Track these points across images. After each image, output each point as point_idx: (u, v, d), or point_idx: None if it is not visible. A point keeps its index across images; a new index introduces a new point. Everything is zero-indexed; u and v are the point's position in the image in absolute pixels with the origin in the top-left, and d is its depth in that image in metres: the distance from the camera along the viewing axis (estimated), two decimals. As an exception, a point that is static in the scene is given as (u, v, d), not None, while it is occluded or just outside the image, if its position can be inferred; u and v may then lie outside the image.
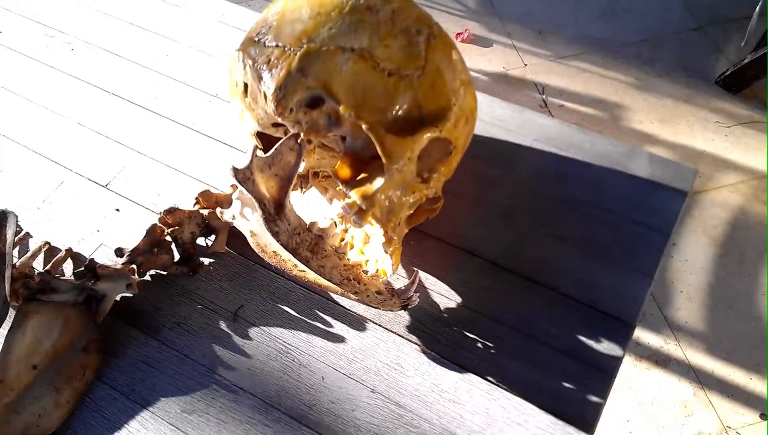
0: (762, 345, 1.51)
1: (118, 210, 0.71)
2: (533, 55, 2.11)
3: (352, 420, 0.56)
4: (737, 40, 2.15)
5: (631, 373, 1.53)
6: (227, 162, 0.75)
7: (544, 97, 1.84)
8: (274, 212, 0.55)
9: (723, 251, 1.74)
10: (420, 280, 0.64)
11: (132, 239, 0.68)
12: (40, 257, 0.67)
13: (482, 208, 0.69)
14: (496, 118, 0.77)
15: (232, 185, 0.68)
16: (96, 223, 0.70)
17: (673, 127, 1.92)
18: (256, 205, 0.54)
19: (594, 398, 0.57)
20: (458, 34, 2.04)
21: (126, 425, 0.57)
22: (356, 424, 0.56)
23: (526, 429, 0.55)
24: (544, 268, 0.65)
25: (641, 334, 1.62)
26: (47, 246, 0.67)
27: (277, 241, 0.55)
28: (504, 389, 0.57)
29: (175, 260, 0.65)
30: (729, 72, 2.03)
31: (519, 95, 1.96)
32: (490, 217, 0.68)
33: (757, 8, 1.98)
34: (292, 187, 0.56)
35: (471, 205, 0.68)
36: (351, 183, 0.57)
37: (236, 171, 0.53)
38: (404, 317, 0.62)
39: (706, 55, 2.10)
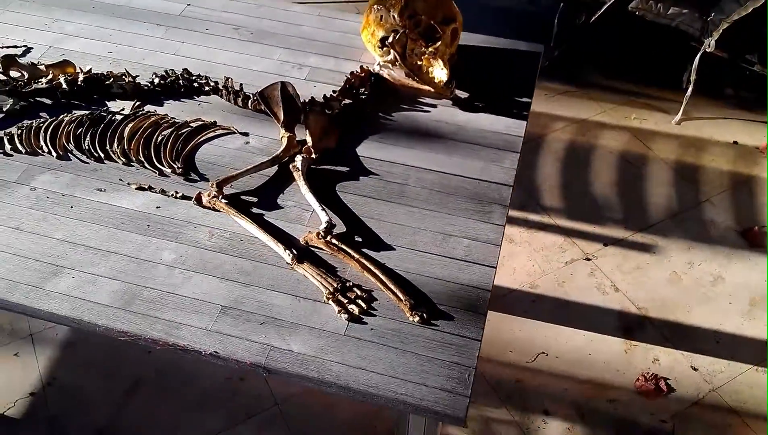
0: (597, 209, 2.62)
1: (315, 86, 1.60)
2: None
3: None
4: (548, 42, 3.36)
5: (527, 237, 2.59)
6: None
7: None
8: (402, 57, 1.49)
9: (565, 163, 2.88)
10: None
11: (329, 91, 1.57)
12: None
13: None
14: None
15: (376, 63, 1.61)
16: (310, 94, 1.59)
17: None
18: (398, 56, 1.48)
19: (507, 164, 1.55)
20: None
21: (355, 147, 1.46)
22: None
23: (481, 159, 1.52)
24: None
25: (528, 215, 2.69)
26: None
27: (407, 67, 1.49)
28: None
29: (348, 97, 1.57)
30: (546, 64, 3.22)
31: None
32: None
33: (556, 17, 3.18)
34: (406, 51, 1.51)
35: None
36: (429, 45, 1.53)
37: (384, 42, 1.47)
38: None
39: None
